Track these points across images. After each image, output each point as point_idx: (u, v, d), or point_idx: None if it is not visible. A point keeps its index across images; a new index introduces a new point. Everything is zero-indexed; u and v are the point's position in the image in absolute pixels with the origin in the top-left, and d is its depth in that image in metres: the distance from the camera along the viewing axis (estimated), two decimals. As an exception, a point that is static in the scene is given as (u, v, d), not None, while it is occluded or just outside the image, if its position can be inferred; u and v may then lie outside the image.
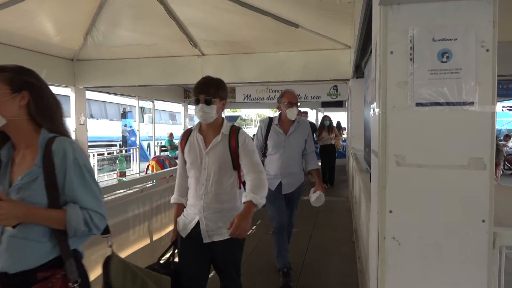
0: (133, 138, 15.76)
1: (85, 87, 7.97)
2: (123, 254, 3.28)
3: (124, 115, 17.42)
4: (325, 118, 9.20)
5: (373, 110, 1.80)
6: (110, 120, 18.89)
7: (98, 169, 11.41)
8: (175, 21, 6.16)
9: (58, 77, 7.41)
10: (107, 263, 1.63)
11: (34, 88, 1.43)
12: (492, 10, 1.35)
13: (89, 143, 8.70)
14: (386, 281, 1.50)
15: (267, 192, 2.16)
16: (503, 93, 11.02)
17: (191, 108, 13.90)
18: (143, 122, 18.12)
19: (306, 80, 7.66)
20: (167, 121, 22.67)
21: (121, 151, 14.90)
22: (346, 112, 12.25)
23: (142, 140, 14.49)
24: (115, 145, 17.13)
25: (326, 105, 13.64)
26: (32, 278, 1.35)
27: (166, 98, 13.36)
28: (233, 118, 27.26)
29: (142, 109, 17.40)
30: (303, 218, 5.02)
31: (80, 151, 1.44)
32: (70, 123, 7.55)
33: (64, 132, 1.48)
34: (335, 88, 11.37)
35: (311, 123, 8.50)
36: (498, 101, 13.24)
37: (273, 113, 19.41)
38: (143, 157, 13.96)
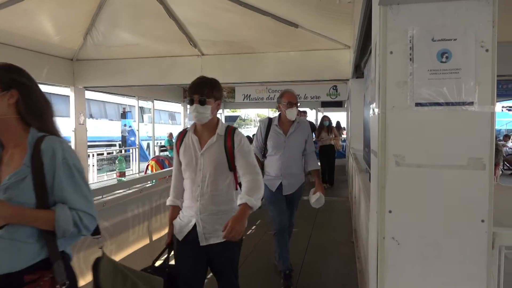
0: (132, 138, 15.76)
1: (85, 87, 7.96)
2: (122, 254, 3.28)
3: (123, 115, 17.42)
4: (325, 118, 9.20)
5: (373, 110, 1.80)
6: (109, 120, 18.89)
7: (98, 169, 11.42)
8: (174, 21, 6.16)
9: (58, 77, 7.41)
10: (97, 265, 1.59)
11: (23, 87, 1.40)
12: (492, 10, 1.35)
13: (89, 143, 8.67)
14: (385, 281, 1.50)
15: (262, 193, 2.13)
16: (502, 93, 11.03)
17: (191, 108, 13.84)
18: (143, 122, 18.10)
19: (305, 80, 7.66)
20: (166, 121, 22.67)
21: (120, 151, 14.91)
22: (345, 112, 12.25)
23: (141, 140, 14.48)
24: (115, 145, 17.12)
25: (325, 105, 13.64)
26: (19, 280, 1.32)
27: (165, 98, 13.35)
28: (233, 118, 27.27)
29: (141, 109, 17.37)
30: (302, 218, 5.02)
31: (69, 151, 1.41)
32: (70, 123, 7.55)
33: (54, 132, 1.45)
34: (334, 88, 11.38)
35: (310, 123, 8.50)
36: (497, 101, 13.26)
37: (273, 113, 19.40)
38: (143, 157, 13.95)
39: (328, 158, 8.76)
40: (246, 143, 2.16)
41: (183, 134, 2.24)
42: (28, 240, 1.34)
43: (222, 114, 17.12)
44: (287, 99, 3.39)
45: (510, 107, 21.44)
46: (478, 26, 1.36)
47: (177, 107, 16.90)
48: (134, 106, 12.63)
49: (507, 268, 1.44)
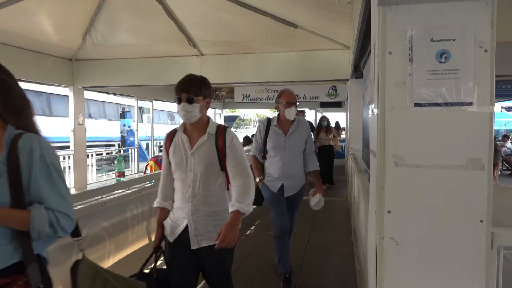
0: (131, 138, 15.73)
1: (84, 87, 7.95)
2: (122, 254, 3.28)
3: (122, 115, 17.39)
4: (323, 118, 9.20)
5: (372, 111, 1.80)
6: (108, 120, 18.88)
7: (97, 169, 11.40)
8: (174, 21, 6.16)
9: (57, 77, 7.40)
10: (75, 268, 1.51)
11: (3, 83, 1.36)
12: (491, 10, 1.35)
13: (88, 143, 8.67)
14: (384, 281, 1.50)
15: (254, 196, 2.09)
16: (501, 94, 11.07)
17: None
18: (142, 122, 18.10)
19: (304, 80, 7.66)
20: (165, 121, 22.66)
21: (119, 151, 14.90)
22: (345, 113, 12.26)
23: (140, 140, 14.46)
24: (114, 145, 17.12)
25: (325, 105, 13.65)
26: None
27: (164, 98, 13.32)
28: (232, 118, 27.28)
29: (140, 109, 17.38)
30: (301, 218, 5.01)
31: (48, 149, 1.36)
32: (69, 123, 7.54)
33: (33, 129, 1.40)
34: (333, 88, 11.40)
35: (309, 122, 8.48)
36: (496, 102, 13.24)
37: (272, 113, 19.41)
38: (142, 157, 13.94)
39: (327, 158, 8.75)
40: (238, 142, 2.12)
41: (172, 133, 2.19)
42: (0, 242, 1.29)
43: (222, 114, 17.13)
44: (286, 99, 3.37)
45: (509, 107, 21.49)
46: (477, 26, 1.36)
47: (176, 107, 16.86)
48: (133, 106, 12.62)
49: (506, 268, 1.44)
